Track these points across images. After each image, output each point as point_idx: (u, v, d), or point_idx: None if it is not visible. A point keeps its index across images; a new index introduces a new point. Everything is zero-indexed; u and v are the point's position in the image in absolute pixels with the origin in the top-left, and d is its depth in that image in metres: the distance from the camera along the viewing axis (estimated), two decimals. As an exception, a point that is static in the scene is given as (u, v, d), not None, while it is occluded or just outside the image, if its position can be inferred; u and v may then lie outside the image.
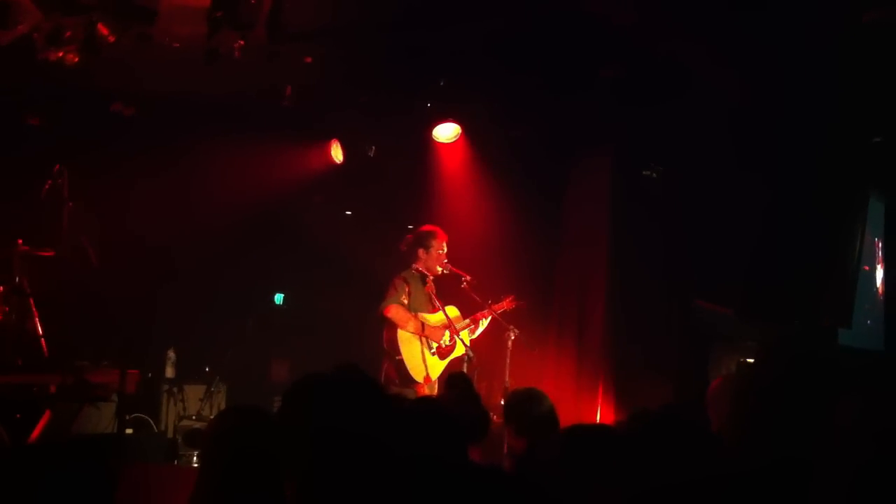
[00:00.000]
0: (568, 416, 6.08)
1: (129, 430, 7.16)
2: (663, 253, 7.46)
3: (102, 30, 5.82)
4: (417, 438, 3.04)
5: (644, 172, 7.85)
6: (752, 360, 5.73)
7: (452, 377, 4.95)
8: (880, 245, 7.43)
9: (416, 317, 7.04)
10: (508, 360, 6.99)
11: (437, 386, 7.05)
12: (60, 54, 5.88)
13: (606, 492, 2.61)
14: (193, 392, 8.08)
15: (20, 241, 6.71)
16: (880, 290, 7.52)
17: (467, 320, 7.22)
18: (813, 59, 5.80)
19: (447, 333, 7.09)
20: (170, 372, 8.16)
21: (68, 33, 5.81)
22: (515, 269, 7.98)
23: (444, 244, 7.19)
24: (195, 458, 7.23)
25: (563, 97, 7.31)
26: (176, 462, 7.15)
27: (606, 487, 2.58)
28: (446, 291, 7.23)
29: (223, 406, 7.99)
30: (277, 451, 2.93)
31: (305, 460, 2.35)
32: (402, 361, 6.92)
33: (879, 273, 7.51)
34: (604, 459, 2.69)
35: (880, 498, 2.37)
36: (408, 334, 6.97)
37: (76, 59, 5.97)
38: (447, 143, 8.42)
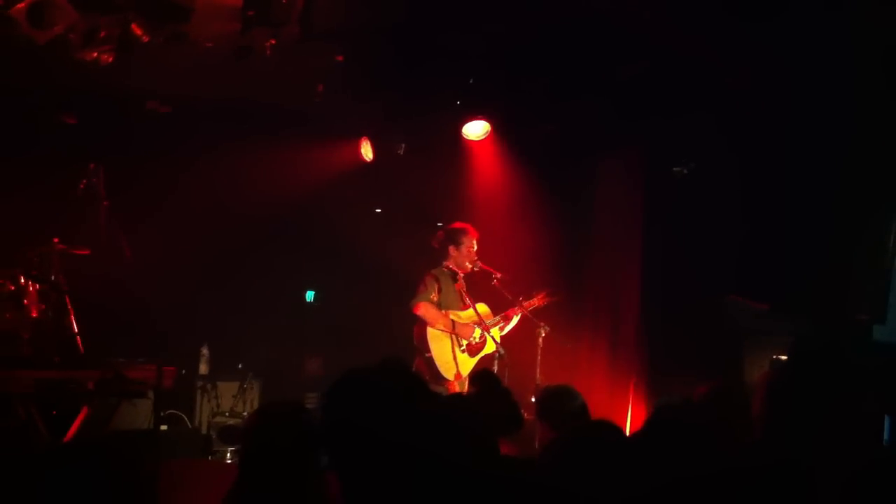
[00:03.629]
0: (600, 412, 6.06)
1: (163, 427, 7.24)
2: (697, 248, 7.41)
3: (136, 30, 5.89)
4: (449, 434, 3.05)
5: (675, 169, 7.80)
6: (784, 357, 5.69)
7: (477, 375, 4.95)
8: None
9: (446, 314, 7.05)
10: (539, 357, 6.99)
11: (467, 383, 7.05)
12: (95, 54, 5.95)
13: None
14: (227, 388, 8.15)
15: (56, 239, 6.79)
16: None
17: (498, 317, 7.22)
18: (841, 57, 5.75)
19: (478, 330, 7.09)
20: (203, 369, 8.24)
21: (103, 33, 5.87)
22: (547, 266, 7.96)
23: (475, 241, 7.19)
24: (229, 454, 7.30)
25: (589, 95, 7.29)
26: (210, 458, 7.22)
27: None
28: (477, 288, 7.24)
29: (256, 402, 8.06)
30: (314, 446, 2.97)
31: (349, 454, 2.37)
32: (431, 359, 6.94)
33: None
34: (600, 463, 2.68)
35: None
36: (438, 332, 6.99)
37: (111, 59, 6.04)
38: (477, 141, 8.42)
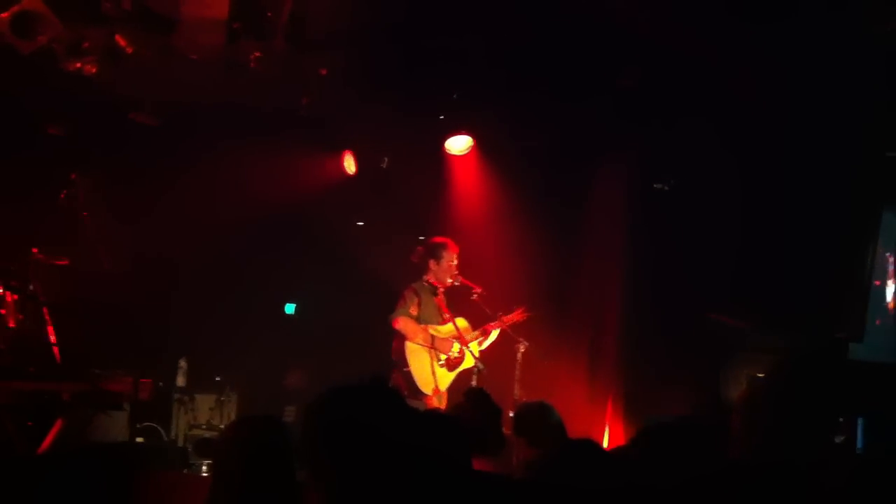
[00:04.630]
0: (577, 428, 6.09)
1: (139, 439, 7.19)
2: (678, 266, 7.46)
3: (120, 41, 5.89)
4: (423, 447, 3.06)
5: (655, 185, 7.86)
6: (762, 375, 5.74)
7: (472, 392, 4.92)
8: (892, 259, 7.42)
9: (425, 329, 7.05)
10: (518, 373, 7.00)
11: (445, 398, 7.06)
12: (79, 65, 5.95)
13: None
14: (204, 401, 8.11)
15: (35, 249, 6.76)
16: (891, 305, 7.52)
17: (477, 332, 7.23)
18: (826, 72, 5.83)
19: (456, 345, 7.09)
20: (181, 381, 8.19)
21: (87, 44, 5.87)
22: (528, 281, 7.98)
23: (455, 256, 7.21)
24: (205, 467, 7.26)
25: (576, 106, 7.34)
26: (186, 471, 7.18)
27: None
28: (457, 303, 7.25)
29: (234, 415, 8.02)
30: (291, 460, 2.96)
31: (329, 469, 2.37)
32: (410, 373, 6.94)
33: (891, 287, 7.50)
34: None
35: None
36: (416, 346, 6.99)
37: (94, 70, 6.04)
38: (460, 156, 8.45)
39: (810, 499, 2.50)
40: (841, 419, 5.87)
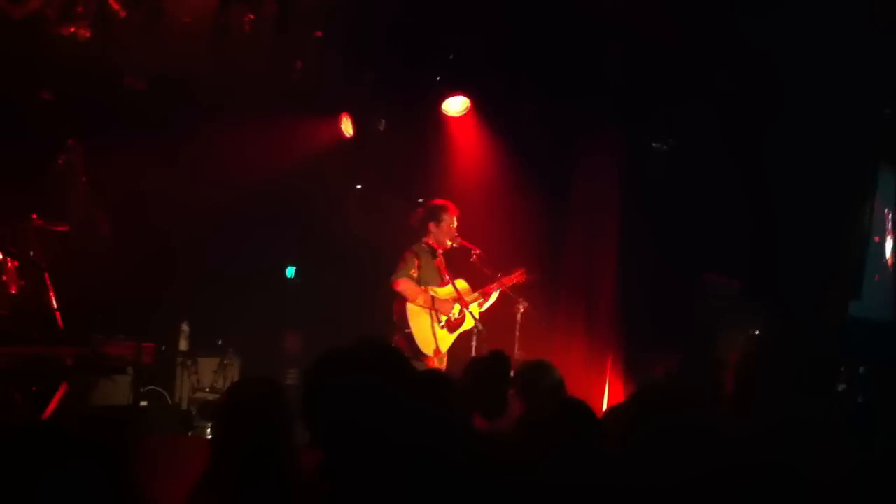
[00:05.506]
0: (577, 387, 6.13)
1: (143, 403, 7.25)
2: (673, 226, 7.47)
3: (114, 5, 5.86)
4: (426, 418, 3.10)
5: (654, 145, 7.84)
6: (758, 332, 5.78)
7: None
8: (890, 216, 7.43)
9: (425, 290, 7.08)
10: (518, 333, 7.04)
11: (446, 359, 7.10)
12: (73, 29, 5.91)
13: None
14: (207, 365, 8.15)
15: (35, 215, 6.76)
16: (889, 261, 7.53)
17: (476, 293, 7.25)
18: (821, 31, 5.79)
19: (457, 306, 7.12)
20: (183, 345, 8.23)
21: (80, 8, 5.84)
22: (526, 243, 7.99)
23: (455, 218, 7.21)
24: (209, 430, 7.32)
25: (573, 69, 7.30)
26: (190, 433, 7.25)
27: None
28: (456, 265, 7.27)
29: (237, 378, 8.07)
30: (290, 423, 2.99)
31: (329, 432, 2.39)
32: (411, 334, 6.97)
33: (889, 244, 7.51)
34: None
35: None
36: (417, 308, 7.02)
37: (88, 35, 6.01)
38: (457, 117, 8.42)
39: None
40: (842, 368, 5.93)
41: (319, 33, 6.85)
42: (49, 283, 6.72)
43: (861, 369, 5.91)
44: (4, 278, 6.48)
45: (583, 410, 2.83)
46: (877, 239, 7.28)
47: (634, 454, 2.58)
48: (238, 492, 2.81)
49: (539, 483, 2.53)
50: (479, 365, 4.70)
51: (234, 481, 2.84)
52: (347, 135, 8.64)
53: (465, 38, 7.12)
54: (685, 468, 2.51)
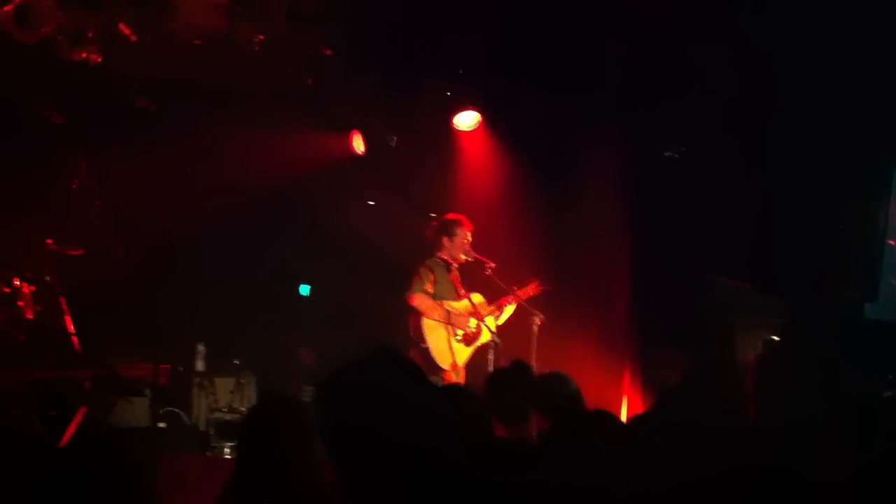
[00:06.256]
0: (595, 398, 6.09)
1: (161, 424, 7.25)
2: (686, 232, 7.44)
3: (124, 29, 5.89)
4: (446, 427, 3.08)
5: (665, 153, 7.82)
6: (776, 338, 5.74)
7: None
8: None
9: (441, 305, 7.07)
10: (535, 346, 7.01)
11: (463, 372, 7.08)
12: (84, 55, 5.96)
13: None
14: (224, 384, 8.14)
15: (49, 240, 6.79)
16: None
17: (492, 306, 7.24)
18: (832, 30, 5.77)
19: (473, 320, 7.11)
20: (200, 365, 8.23)
21: (91, 33, 5.88)
22: (540, 254, 7.98)
23: (469, 232, 7.21)
24: (227, 450, 7.32)
25: (581, 77, 7.29)
26: (208, 454, 7.25)
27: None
28: (471, 279, 7.26)
29: (253, 397, 8.07)
30: (310, 439, 3.00)
31: (346, 451, 2.39)
32: (427, 349, 6.96)
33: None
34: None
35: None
36: (433, 322, 7.01)
37: (99, 59, 6.05)
38: (468, 132, 8.43)
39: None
40: (891, 377, 5.87)
41: (329, 51, 6.87)
42: (65, 306, 6.74)
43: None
44: (20, 303, 6.51)
45: (610, 420, 2.82)
46: (892, 242, 7.23)
47: (657, 459, 2.56)
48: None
49: (564, 490, 2.52)
50: (501, 375, 4.70)
51: (256, 498, 2.86)
52: (359, 152, 8.66)
53: (473, 50, 7.12)
54: (700, 467, 2.50)
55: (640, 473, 2.54)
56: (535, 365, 6.94)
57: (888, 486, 2.39)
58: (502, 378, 4.64)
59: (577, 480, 2.55)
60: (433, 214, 7.63)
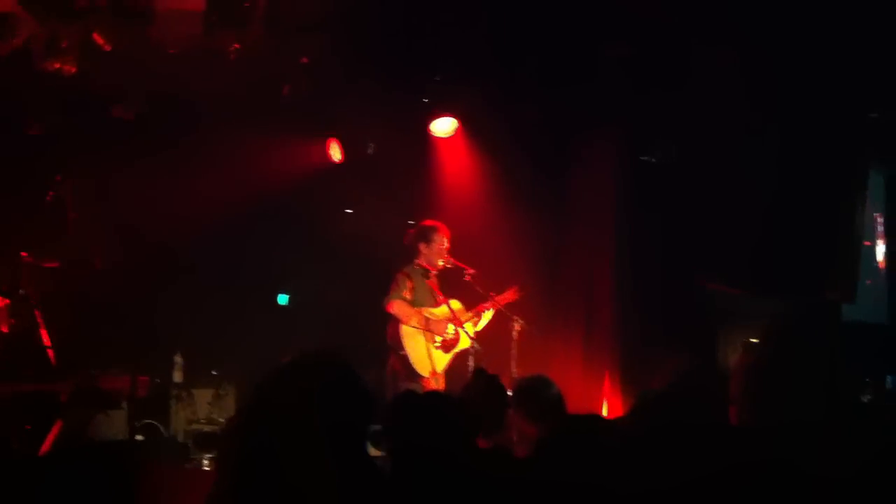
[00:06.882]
0: (576, 402, 6.10)
1: (139, 436, 7.19)
2: (669, 235, 7.46)
3: (98, 39, 5.85)
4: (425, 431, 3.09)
5: (642, 158, 7.85)
6: (756, 341, 5.77)
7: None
8: (880, 219, 7.45)
9: (419, 311, 7.06)
10: (515, 351, 7.01)
11: (442, 379, 7.07)
12: (58, 65, 5.91)
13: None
14: (202, 396, 8.09)
15: (25, 253, 6.73)
16: (881, 265, 7.55)
17: (471, 312, 7.24)
18: (812, 33, 5.82)
19: (451, 326, 7.11)
20: (178, 376, 8.17)
21: (64, 43, 5.83)
22: (520, 259, 7.97)
23: (446, 239, 7.21)
24: (206, 462, 7.27)
25: (561, 80, 7.30)
26: (188, 465, 7.19)
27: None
28: (450, 285, 7.26)
29: (232, 409, 8.01)
30: (295, 447, 2.96)
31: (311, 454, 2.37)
32: (406, 356, 6.96)
33: (881, 247, 7.53)
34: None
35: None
36: (411, 329, 7.00)
37: (73, 70, 6.00)
38: (446, 138, 8.43)
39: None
40: (867, 380, 5.92)
41: (305, 60, 6.86)
42: (40, 319, 6.68)
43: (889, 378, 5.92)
44: (-5, 317, 6.45)
45: (605, 422, 2.82)
46: (867, 243, 7.30)
47: (643, 459, 2.57)
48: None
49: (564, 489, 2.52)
50: (470, 389, 4.68)
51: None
52: (336, 160, 8.63)
53: (450, 56, 7.11)
54: (690, 469, 2.51)
55: (640, 473, 2.55)
56: (515, 370, 6.95)
57: (884, 485, 2.41)
58: (472, 391, 4.63)
59: (580, 480, 2.54)
60: (411, 221, 7.62)
